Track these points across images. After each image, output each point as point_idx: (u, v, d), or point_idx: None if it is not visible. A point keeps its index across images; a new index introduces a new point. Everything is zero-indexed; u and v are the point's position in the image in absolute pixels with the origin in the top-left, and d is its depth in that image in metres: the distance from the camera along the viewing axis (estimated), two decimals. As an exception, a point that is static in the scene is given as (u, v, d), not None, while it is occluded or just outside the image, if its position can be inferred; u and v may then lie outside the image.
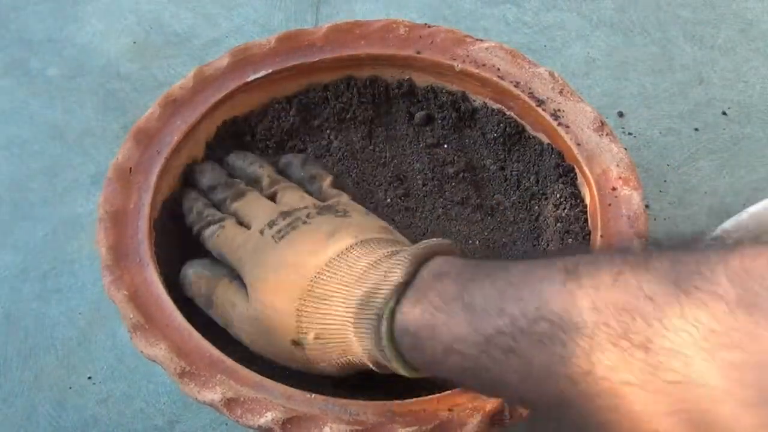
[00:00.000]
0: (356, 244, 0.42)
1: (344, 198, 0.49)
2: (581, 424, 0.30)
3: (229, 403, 0.39)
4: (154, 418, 0.52)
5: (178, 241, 0.49)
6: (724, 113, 0.68)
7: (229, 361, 0.41)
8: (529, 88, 0.52)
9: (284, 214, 0.46)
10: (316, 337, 0.41)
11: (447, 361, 0.34)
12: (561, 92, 0.52)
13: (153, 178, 0.48)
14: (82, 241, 0.59)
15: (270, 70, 0.53)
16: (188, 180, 0.51)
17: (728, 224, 0.47)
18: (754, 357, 0.25)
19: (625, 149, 0.49)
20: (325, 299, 0.40)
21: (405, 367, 0.38)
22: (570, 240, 0.48)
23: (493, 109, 0.53)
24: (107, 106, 0.67)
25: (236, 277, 0.45)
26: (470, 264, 0.36)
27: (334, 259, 0.42)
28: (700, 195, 0.63)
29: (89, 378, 0.54)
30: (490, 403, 0.39)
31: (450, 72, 0.53)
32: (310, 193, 0.50)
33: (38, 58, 0.70)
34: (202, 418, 0.52)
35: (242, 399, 0.39)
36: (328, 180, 0.51)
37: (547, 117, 0.51)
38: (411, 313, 0.36)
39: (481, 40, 0.54)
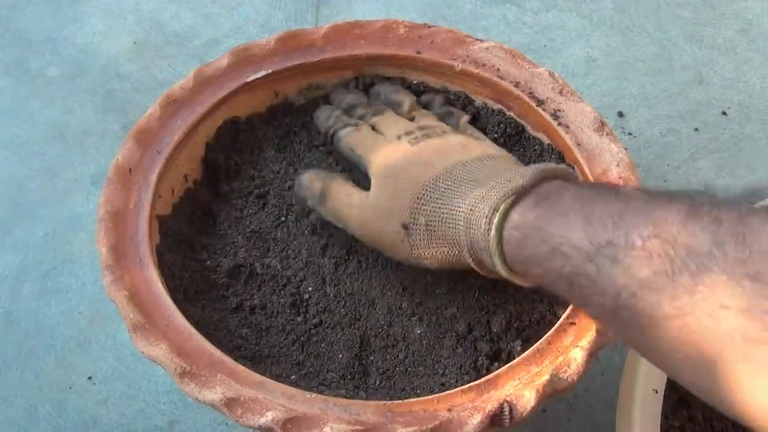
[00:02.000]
0: (484, 156, 0.46)
1: (480, 134, 0.52)
2: (666, 341, 0.30)
3: (230, 402, 0.39)
4: (154, 419, 0.52)
5: (183, 243, 0.49)
6: (724, 113, 0.68)
7: (229, 361, 0.41)
8: (529, 88, 0.52)
9: (421, 128, 0.49)
10: (426, 224, 0.43)
11: (549, 261, 0.36)
12: (561, 92, 0.52)
13: (153, 178, 0.48)
14: (82, 241, 0.60)
15: (270, 70, 0.53)
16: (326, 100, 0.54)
17: None
18: None
19: (625, 149, 0.49)
20: (445, 192, 0.43)
21: (503, 265, 0.39)
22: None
23: (493, 110, 0.54)
24: (107, 106, 0.67)
25: (351, 178, 0.49)
26: (594, 186, 0.38)
27: (461, 163, 0.45)
28: (700, 195, 0.63)
29: (89, 378, 0.54)
30: (490, 403, 0.39)
31: (450, 72, 0.54)
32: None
33: (38, 58, 0.70)
34: (202, 418, 0.52)
35: (242, 399, 0.39)
36: (465, 117, 0.53)
37: (547, 117, 0.51)
38: (526, 214, 0.38)
39: (481, 40, 0.54)
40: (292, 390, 0.40)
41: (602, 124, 0.50)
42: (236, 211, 0.51)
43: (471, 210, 0.41)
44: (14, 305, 0.57)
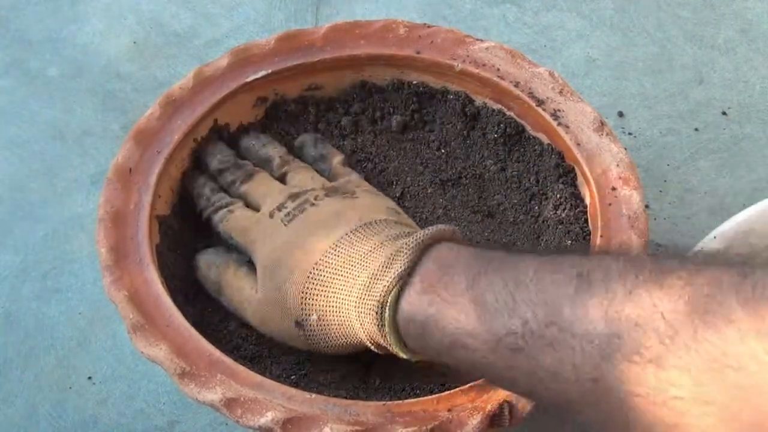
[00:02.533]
0: (361, 226, 0.43)
1: (354, 177, 0.50)
2: (585, 426, 0.30)
3: (229, 403, 0.39)
4: (154, 419, 0.52)
5: (183, 243, 0.49)
6: (724, 113, 0.68)
7: (229, 361, 0.41)
8: (529, 88, 0.52)
9: (293, 197, 0.47)
10: (319, 319, 0.42)
11: (453, 353, 0.35)
12: (561, 92, 0.52)
13: (153, 178, 0.48)
14: (82, 241, 0.59)
15: (270, 71, 0.53)
16: (197, 162, 0.51)
17: (725, 227, 0.47)
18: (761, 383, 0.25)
19: (625, 149, 0.49)
20: (328, 282, 0.42)
21: (406, 352, 0.39)
22: (569, 242, 0.48)
23: (493, 110, 0.53)
24: (107, 106, 0.67)
25: (244, 262, 0.47)
26: (478, 254, 0.37)
27: (338, 241, 0.43)
28: (700, 195, 0.63)
29: (89, 378, 0.54)
30: (490, 403, 0.39)
31: (450, 72, 0.53)
32: (321, 173, 0.50)
33: (38, 58, 0.70)
34: (202, 418, 0.52)
35: (242, 399, 0.40)
36: (338, 158, 0.51)
37: (547, 117, 0.51)
38: (418, 303, 0.37)
39: (481, 40, 0.54)
40: (292, 390, 0.40)
41: (602, 124, 0.50)
42: (236, 211, 0.51)
43: (360, 302, 0.40)
44: (14, 305, 0.57)
